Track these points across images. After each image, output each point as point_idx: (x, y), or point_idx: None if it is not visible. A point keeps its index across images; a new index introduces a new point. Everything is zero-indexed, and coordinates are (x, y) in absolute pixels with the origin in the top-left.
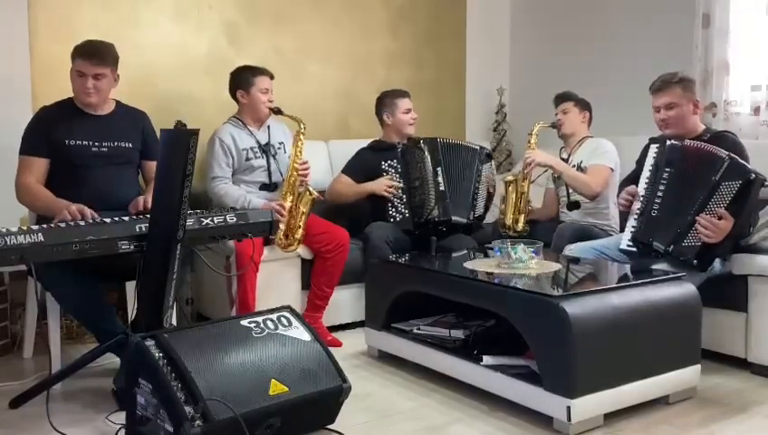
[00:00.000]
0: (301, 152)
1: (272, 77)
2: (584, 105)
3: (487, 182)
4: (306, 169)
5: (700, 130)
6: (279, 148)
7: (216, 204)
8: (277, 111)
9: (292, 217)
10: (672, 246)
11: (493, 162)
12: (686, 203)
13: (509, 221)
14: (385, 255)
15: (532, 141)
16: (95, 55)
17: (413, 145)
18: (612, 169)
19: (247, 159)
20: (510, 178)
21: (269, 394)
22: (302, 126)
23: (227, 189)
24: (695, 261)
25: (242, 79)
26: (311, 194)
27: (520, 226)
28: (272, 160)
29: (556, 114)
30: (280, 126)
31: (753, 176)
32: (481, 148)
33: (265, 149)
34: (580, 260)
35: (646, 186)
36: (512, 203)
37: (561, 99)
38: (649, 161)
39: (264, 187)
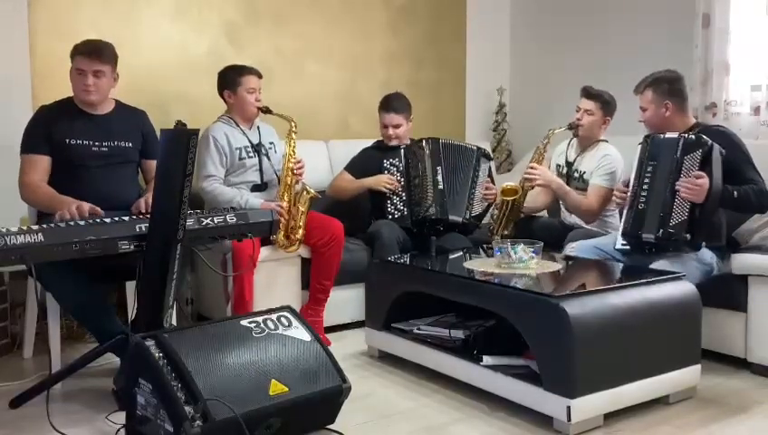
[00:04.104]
0: (294, 151)
1: (260, 76)
2: (610, 110)
3: (485, 183)
4: (301, 169)
5: (687, 126)
6: (270, 148)
7: (209, 203)
8: (266, 111)
9: (292, 218)
10: (661, 230)
11: (492, 163)
12: (661, 187)
13: (498, 227)
14: (394, 254)
15: (542, 149)
16: (94, 52)
17: (415, 144)
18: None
19: (240, 159)
20: (509, 186)
21: (269, 394)
22: (292, 125)
23: (222, 189)
24: (687, 235)
25: (228, 79)
26: (308, 193)
27: (506, 232)
28: (264, 160)
29: (578, 109)
30: (267, 126)
31: (710, 142)
32: (479, 148)
33: (257, 149)
34: (580, 260)
35: (633, 182)
36: (506, 214)
37: (589, 96)
38: (636, 157)
39: (255, 187)
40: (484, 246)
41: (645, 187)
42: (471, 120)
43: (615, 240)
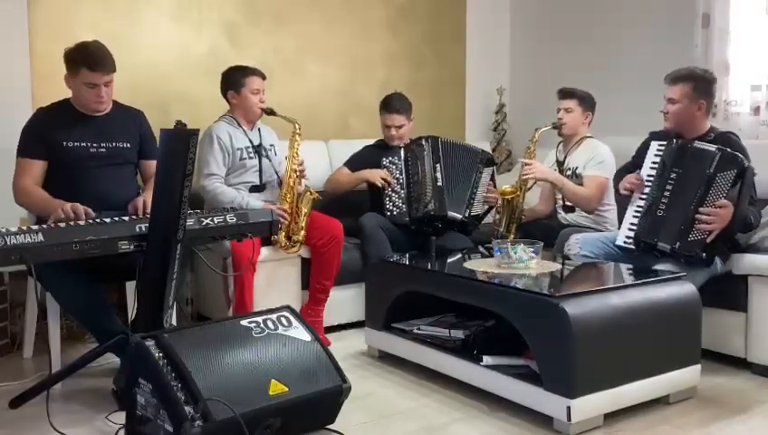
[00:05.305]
0: (297, 153)
1: (263, 77)
2: (588, 105)
3: (487, 187)
4: (304, 171)
5: (705, 129)
6: (270, 149)
7: (209, 202)
8: (270, 112)
9: (294, 219)
10: (678, 244)
11: (494, 168)
12: (686, 199)
13: (502, 229)
14: (381, 240)
15: (532, 149)
16: (102, 64)
17: (415, 142)
18: (608, 178)
19: (241, 159)
20: (507, 188)
21: (269, 394)
22: (296, 126)
23: (224, 189)
24: (703, 254)
25: (232, 80)
26: (311, 194)
27: (512, 235)
28: (264, 161)
29: (558, 109)
30: (268, 128)
31: (747, 163)
32: (483, 151)
33: (258, 150)
34: (580, 260)
35: (650, 184)
36: (507, 214)
37: (565, 95)
38: (652, 158)
39: (254, 188)
40: (485, 245)
41: (667, 193)
42: (471, 120)
43: (618, 236)
